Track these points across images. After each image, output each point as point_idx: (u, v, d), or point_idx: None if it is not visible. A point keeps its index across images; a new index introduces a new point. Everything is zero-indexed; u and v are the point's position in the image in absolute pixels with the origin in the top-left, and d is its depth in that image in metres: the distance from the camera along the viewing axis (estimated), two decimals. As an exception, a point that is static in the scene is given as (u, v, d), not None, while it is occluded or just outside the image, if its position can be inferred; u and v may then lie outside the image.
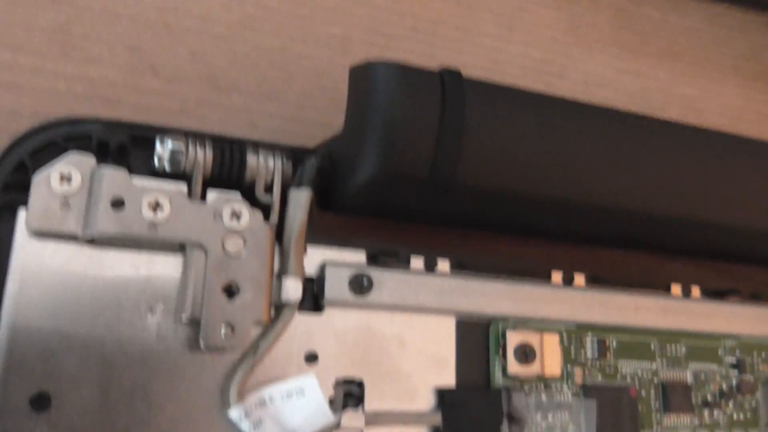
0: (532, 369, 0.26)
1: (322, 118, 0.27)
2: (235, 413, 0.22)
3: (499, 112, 0.23)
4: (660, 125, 0.26)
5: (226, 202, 0.22)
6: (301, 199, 0.23)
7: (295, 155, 0.24)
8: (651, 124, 0.26)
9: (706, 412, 0.29)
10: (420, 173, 0.22)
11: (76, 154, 0.21)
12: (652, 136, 0.26)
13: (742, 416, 0.30)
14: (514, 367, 0.25)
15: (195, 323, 0.22)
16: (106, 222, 0.21)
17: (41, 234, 0.21)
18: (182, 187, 0.22)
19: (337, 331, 0.24)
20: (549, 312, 0.27)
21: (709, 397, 0.29)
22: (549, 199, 0.24)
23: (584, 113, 0.25)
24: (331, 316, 0.24)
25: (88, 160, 0.21)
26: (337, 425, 0.23)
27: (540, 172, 0.23)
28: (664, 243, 0.29)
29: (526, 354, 0.26)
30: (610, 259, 0.30)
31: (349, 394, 0.24)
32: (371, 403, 0.24)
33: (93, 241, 0.21)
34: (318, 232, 0.25)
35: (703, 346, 0.30)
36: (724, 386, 0.30)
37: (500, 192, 0.23)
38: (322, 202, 0.25)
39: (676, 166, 0.26)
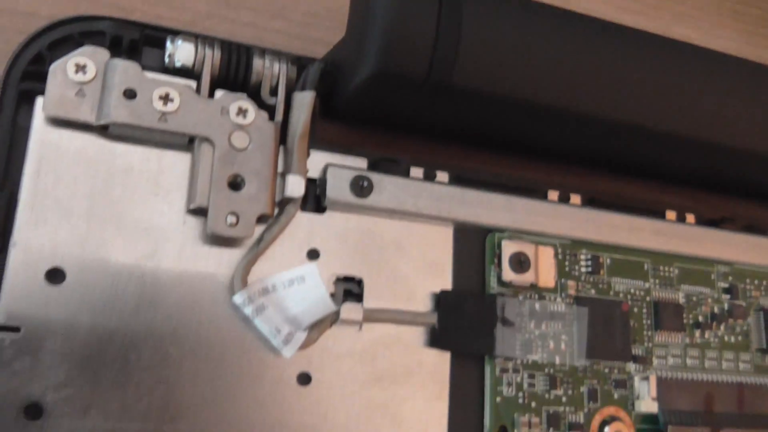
0: (526, 278, 0.27)
1: (327, 37, 0.28)
2: (238, 298, 0.23)
3: (497, 16, 0.23)
4: (663, 42, 0.27)
5: (233, 100, 0.23)
6: (304, 101, 0.24)
7: (300, 62, 0.25)
8: (654, 40, 0.27)
9: (697, 333, 0.30)
10: (417, 73, 0.23)
11: (91, 47, 0.22)
12: (655, 52, 0.26)
13: (733, 339, 0.30)
14: (508, 274, 0.26)
15: (202, 212, 0.23)
16: (118, 110, 0.22)
17: (57, 121, 0.22)
18: (191, 83, 0.23)
19: (338, 232, 0.25)
20: (545, 226, 0.28)
21: (701, 319, 0.30)
22: (545, 107, 0.25)
23: (586, 24, 0.25)
24: (332, 217, 0.25)
25: (103, 53, 0.22)
26: (337, 316, 0.24)
27: (537, 79, 0.24)
28: (662, 165, 0.30)
29: (520, 263, 0.27)
30: (607, 185, 0.31)
31: (349, 292, 0.25)
32: (369, 301, 0.25)
33: (106, 131, 0.22)
34: (322, 140, 0.26)
35: (695, 269, 0.30)
36: (716, 309, 0.30)
37: (496, 97, 0.24)
38: (327, 111, 0.26)
39: (678, 84, 0.27)
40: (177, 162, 0.23)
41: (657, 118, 0.27)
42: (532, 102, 0.24)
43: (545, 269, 0.27)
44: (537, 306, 0.27)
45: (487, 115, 0.25)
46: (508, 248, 0.27)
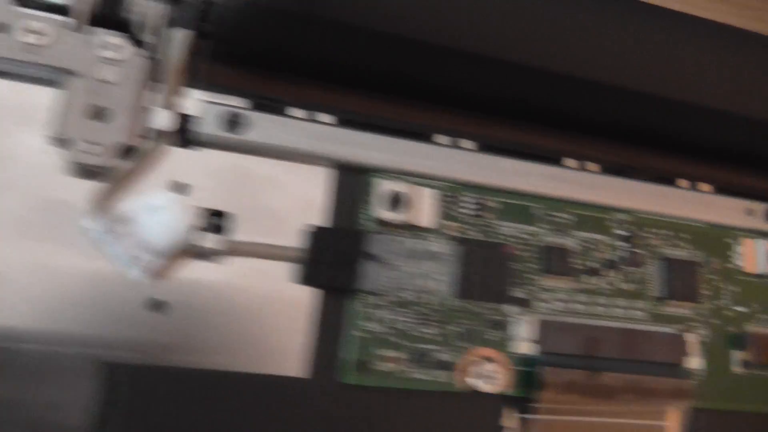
0: (401, 217, 0.27)
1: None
2: (94, 224, 0.24)
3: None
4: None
5: (103, 35, 0.24)
6: (178, 38, 0.25)
7: (178, 2, 0.26)
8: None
9: (588, 279, 0.30)
10: (281, 3, 0.23)
11: (-38, -18, 0.24)
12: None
13: (626, 287, 0.30)
14: (383, 213, 0.27)
15: (64, 143, 0.24)
16: (-15, 43, 0.23)
17: (-73, 54, 0.23)
18: (64, 19, 0.24)
19: (211, 168, 0.26)
20: (427, 168, 0.28)
21: (593, 265, 0.30)
22: (415, 42, 0.25)
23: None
24: (205, 153, 0.26)
25: (-27, -12, 0.24)
26: (197, 246, 0.25)
27: (403, 11, 0.24)
28: (563, 112, 0.30)
29: (396, 202, 0.27)
30: (503, 133, 0.31)
31: (219, 228, 0.26)
32: (240, 236, 0.26)
33: (-24, 64, 0.24)
34: (205, 82, 0.26)
35: (590, 216, 0.30)
36: (610, 256, 0.30)
37: (363, 30, 0.24)
38: (214, 55, 0.27)
39: (578, 23, 0.26)
40: (45, 96, 0.25)
41: (554, 60, 0.27)
42: (401, 36, 0.25)
43: (423, 209, 0.28)
44: (411, 244, 0.27)
45: (358, 50, 0.25)
46: (384, 187, 0.27)
